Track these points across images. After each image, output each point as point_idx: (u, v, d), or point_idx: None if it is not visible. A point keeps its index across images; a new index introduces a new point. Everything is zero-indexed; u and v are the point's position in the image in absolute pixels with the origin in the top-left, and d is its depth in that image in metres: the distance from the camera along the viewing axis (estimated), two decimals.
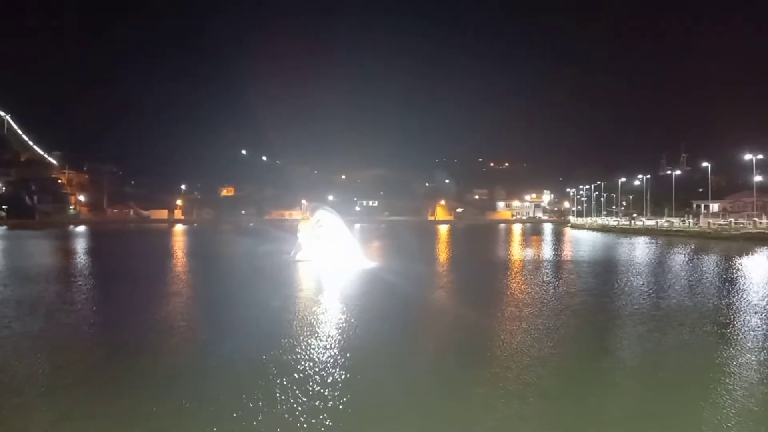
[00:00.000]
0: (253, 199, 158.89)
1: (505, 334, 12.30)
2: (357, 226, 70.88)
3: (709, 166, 78.09)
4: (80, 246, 47.77)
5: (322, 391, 8.20)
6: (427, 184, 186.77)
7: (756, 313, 14.61)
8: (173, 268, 28.26)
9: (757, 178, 67.81)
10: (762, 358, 10.12)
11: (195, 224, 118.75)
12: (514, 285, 21.56)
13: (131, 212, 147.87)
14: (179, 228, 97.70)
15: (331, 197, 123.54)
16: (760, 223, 56.19)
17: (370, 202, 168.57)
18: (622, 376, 9.24)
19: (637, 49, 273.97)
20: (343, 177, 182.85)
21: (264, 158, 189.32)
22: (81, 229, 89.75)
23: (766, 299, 16.89)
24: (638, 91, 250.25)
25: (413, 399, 8.13)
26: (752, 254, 35.85)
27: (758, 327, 12.87)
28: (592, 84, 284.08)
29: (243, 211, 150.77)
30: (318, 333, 12.25)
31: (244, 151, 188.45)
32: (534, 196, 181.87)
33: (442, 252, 43.30)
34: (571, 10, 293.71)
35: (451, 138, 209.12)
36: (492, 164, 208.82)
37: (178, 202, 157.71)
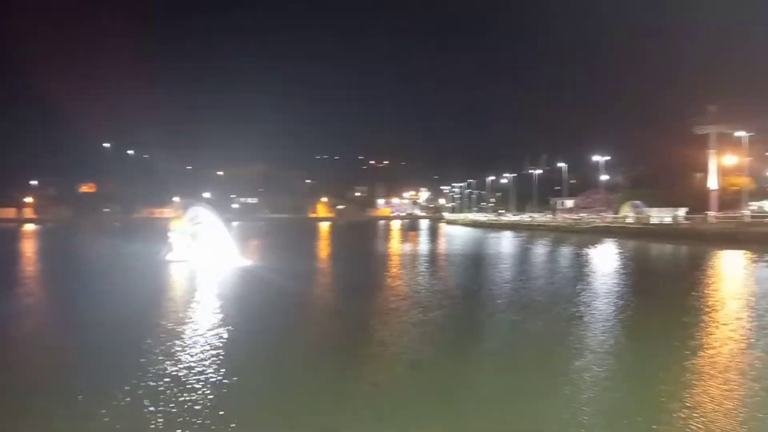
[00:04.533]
0: (119, 196, 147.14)
1: (367, 320, 12.74)
2: (235, 224, 68.64)
3: (565, 166, 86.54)
4: None
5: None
6: (307, 181, 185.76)
7: (585, 292, 16.67)
8: (13, 271, 25.13)
9: (604, 177, 76.34)
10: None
11: (49, 224, 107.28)
12: (380, 279, 22.28)
13: None
14: (29, 228, 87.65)
15: (206, 194, 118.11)
16: (606, 218, 63.36)
17: (249, 199, 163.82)
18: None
19: (505, 57, 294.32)
20: (220, 173, 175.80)
21: (130, 152, 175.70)
22: None
23: (595, 281, 19.31)
24: (508, 93, 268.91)
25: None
26: (597, 245, 40.43)
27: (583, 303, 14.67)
28: (464, 87, 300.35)
29: (106, 209, 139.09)
30: (182, 337, 11.71)
31: (106, 144, 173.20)
32: (412, 193, 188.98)
33: (322, 249, 43.44)
34: (458, 11, 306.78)
35: (331, 135, 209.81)
36: (372, 162, 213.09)
37: (29, 199, 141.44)
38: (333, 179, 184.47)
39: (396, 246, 44.31)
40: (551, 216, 78.05)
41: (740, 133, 53.06)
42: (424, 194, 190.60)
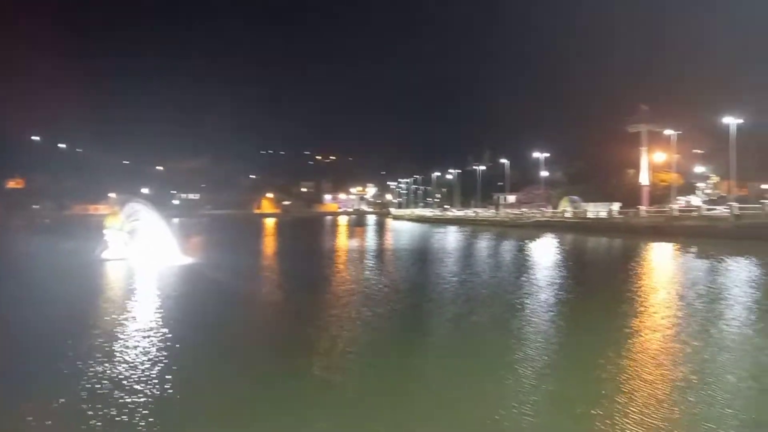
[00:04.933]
0: (50, 192, 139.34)
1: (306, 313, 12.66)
2: (175, 220, 66.40)
3: (507, 162, 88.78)
4: None
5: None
6: (252, 176, 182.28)
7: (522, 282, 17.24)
8: None
9: (544, 173, 78.83)
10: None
11: None
12: (328, 275, 22.22)
13: None
14: None
15: (145, 190, 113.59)
16: (546, 212, 65.49)
17: (191, 195, 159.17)
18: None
19: (450, 56, 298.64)
20: (160, 168, 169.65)
21: (62, 146, 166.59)
22: None
23: (532, 272, 19.99)
24: (452, 90, 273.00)
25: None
26: (538, 239, 41.77)
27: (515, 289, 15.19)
28: (410, 84, 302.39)
29: (36, 206, 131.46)
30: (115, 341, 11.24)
31: (36, 138, 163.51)
32: (359, 189, 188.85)
33: (268, 245, 42.73)
34: (405, 8, 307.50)
35: (277, 130, 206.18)
36: (318, 157, 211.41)
37: None
38: (278, 175, 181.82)
39: (343, 242, 44.20)
40: (494, 211, 79.84)
41: (669, 132, 56.09)
42: (371, 190, 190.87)
